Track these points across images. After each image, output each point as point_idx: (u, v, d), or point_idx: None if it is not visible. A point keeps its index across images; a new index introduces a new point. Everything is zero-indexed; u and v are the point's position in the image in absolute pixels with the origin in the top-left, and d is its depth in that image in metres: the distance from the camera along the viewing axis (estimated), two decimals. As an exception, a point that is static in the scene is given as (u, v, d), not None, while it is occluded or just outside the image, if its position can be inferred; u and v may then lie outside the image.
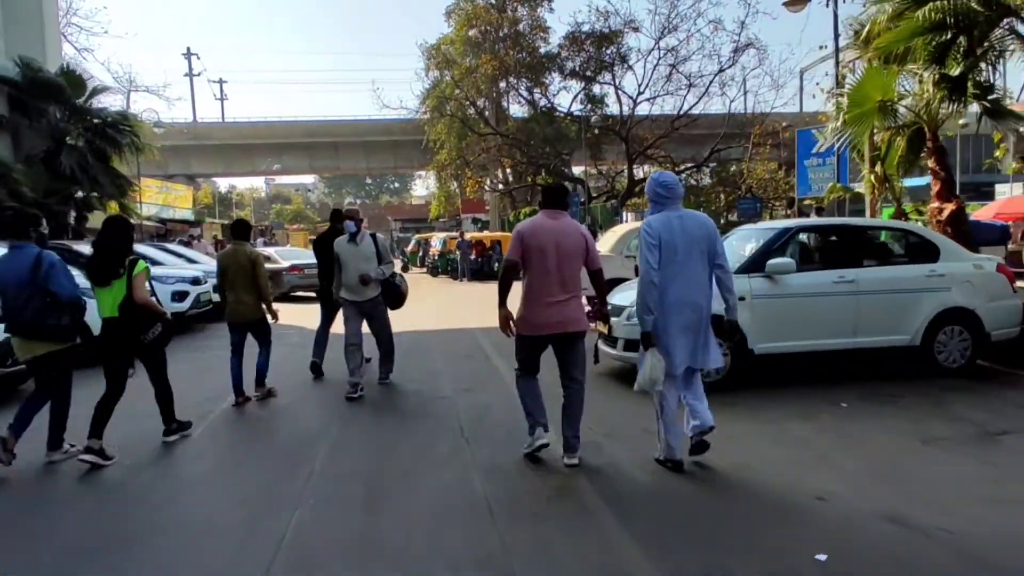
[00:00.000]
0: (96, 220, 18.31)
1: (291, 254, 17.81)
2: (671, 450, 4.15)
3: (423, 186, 75.53)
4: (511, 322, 4.26)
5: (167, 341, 4.82)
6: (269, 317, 6.24)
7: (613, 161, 35.25)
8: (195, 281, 10.74)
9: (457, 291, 18.84)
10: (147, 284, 4.67)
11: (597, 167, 34.33)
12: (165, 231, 29.68)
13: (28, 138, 15.33)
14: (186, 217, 32.70)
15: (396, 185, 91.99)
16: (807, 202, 32.97)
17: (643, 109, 31.61)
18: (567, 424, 4.32)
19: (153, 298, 4.97)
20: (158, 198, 29.54)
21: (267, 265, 16.12)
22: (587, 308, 4.74)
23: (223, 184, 65.33)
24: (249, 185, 74.19)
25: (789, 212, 33.22)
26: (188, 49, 57.04)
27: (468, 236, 24.15)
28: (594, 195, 32.87)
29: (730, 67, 29.37)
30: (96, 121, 15.70)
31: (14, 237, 4.43)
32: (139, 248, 12.53)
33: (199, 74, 56.24)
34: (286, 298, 16.02)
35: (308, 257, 17.76)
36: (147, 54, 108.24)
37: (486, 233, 25.14)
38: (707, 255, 4.03)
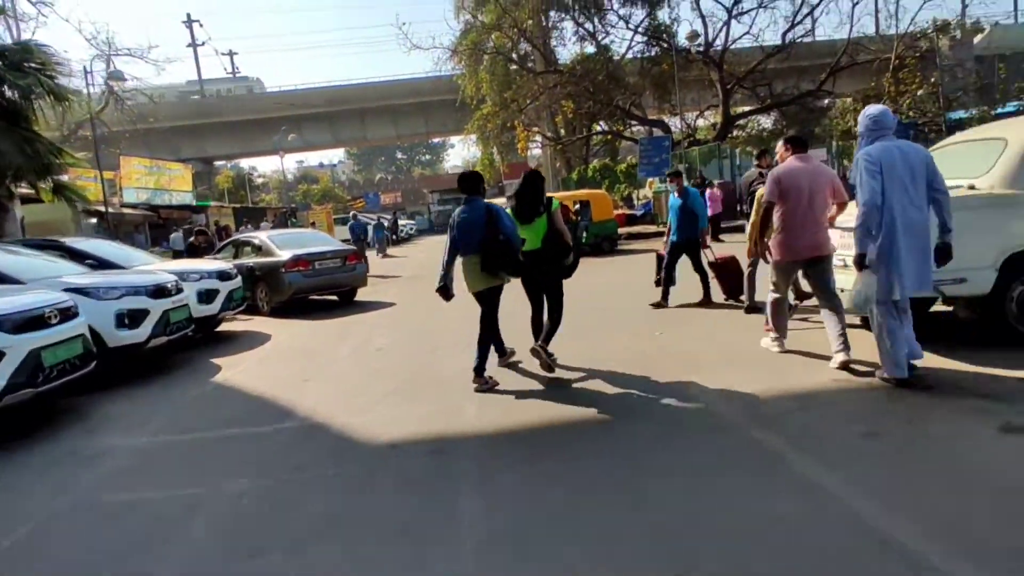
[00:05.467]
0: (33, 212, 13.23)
1: (293, 239, 11.60)
2: (896, 368, 4.23)
3: (458, 155, 69.99)
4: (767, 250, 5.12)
5: (575, 269, 5.52)
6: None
7: (695, 103, 29.06)
8: (223, 276, 9.01)
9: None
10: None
11: (673, 110, 28.18)
12: (160, 220, 24.36)
13: None
14: (185, 202, 27.24)
15: (427, 157, 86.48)
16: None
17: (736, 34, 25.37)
18: (835, 326, 4.82)
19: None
20: (148, 180, 24.27)
21: (259, 259, 10.72)
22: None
23: (245, 165, 60.94)
24: (274, 168, 69.69)
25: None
26: (188, 16, 51.32)
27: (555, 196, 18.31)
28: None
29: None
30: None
31: (470, 193, 5.35)
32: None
33: (203, 43, 50.66)
34: (294, 308, 10.59)
35: (323, 244, 11.84)
36: (136, 18, 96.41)
37: (568, 193, 18.00)
38: (926, 181, 4.12)
